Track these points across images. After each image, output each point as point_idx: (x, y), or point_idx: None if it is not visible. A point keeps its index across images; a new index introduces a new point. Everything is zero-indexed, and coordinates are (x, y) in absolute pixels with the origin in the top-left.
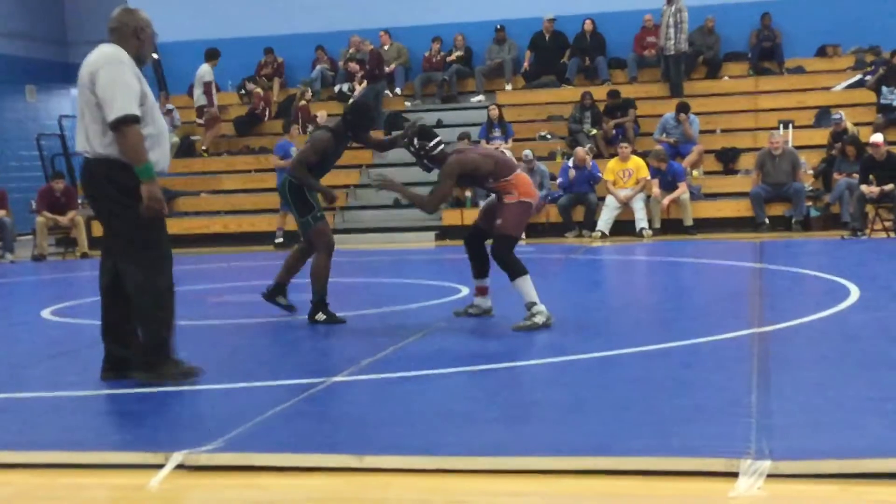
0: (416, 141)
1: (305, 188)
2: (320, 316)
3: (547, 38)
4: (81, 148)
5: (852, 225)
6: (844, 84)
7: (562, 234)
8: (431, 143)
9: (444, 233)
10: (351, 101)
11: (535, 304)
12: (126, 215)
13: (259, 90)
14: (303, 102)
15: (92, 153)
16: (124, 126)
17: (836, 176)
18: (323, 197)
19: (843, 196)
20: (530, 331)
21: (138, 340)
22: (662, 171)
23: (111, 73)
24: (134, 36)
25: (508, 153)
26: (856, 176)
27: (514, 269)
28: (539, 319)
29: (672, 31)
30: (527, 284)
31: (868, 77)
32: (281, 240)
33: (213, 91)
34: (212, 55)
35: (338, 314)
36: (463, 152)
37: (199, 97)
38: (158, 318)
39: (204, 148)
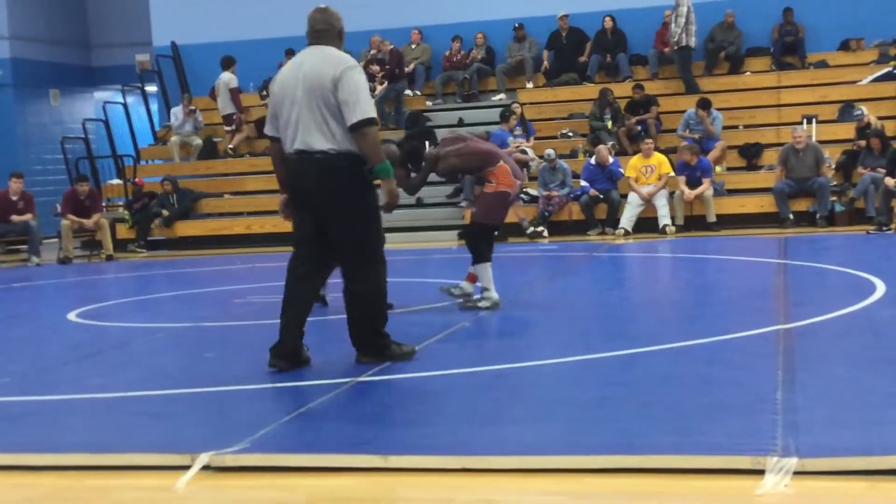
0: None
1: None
2: None
3: (564, 36)
4: (319, 146)
5: (878, 219)
6: (872, 77)
7: (584, 231)
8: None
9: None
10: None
11: (487, 290)
12: (362, 208)
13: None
14: None
15: (338, 150)
16: (365, 128)
17: (860, 170)
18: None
19: (868, 191)
20: (471, 309)
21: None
22: (692, 166)
23: (354, 78)
24: (339, 37)
25: (530, 151)
26: (880, 170)
27: (479, 255)
28: (484, 304)
29: (673, 26)
30: (486, 271)
31: None
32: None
33: (238, 96)
34: (229, 62)
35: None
36: (446, 151)
37: (225, 105)
38: (381, 307)
39: (231, 147)
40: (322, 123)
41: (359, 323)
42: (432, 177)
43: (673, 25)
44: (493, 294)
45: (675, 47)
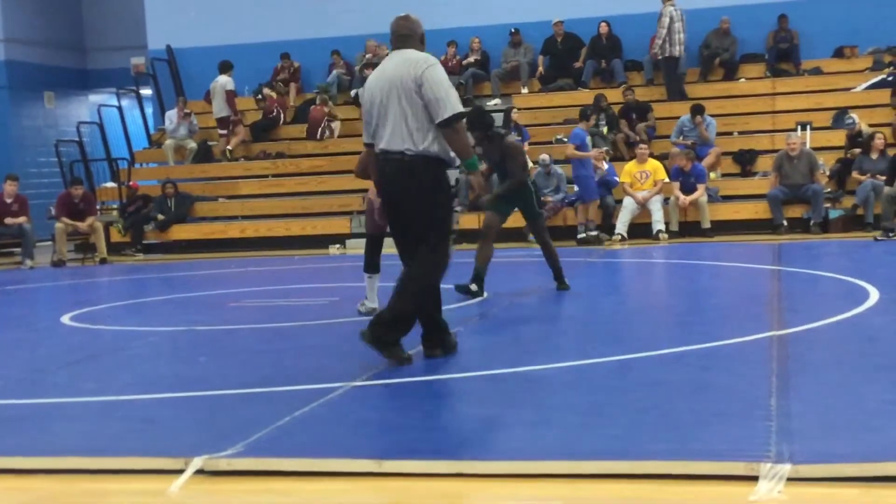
0: None
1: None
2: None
3: (559, 42)
4: (397, 147)
5: (884, 225)
6: (867, 84)
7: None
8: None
9: (462, 236)
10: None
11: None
12: (441, 206)
13: (272, 94)
14: (326, 109)
15: (414, 150)
16: (456, 123)
17: (856, 175)
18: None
19: (868, 197)
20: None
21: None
22: (686, 171)
23: (438, 76)
24: (421, 41)
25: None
26: (879, 177)
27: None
28: (361, 308)
29: (664, 34)
30: (368, 280)
31: (892, 77)
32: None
33: (234, 99)
34: (226, 66)
35: (358, 318)
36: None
37: (220, 108)
38: (416, 305)
39: (230, 148)
40: (402, 125)
41: (393, 308)
42: None
43: (656, 36)
44: (369, 303)
45: (660, 57)
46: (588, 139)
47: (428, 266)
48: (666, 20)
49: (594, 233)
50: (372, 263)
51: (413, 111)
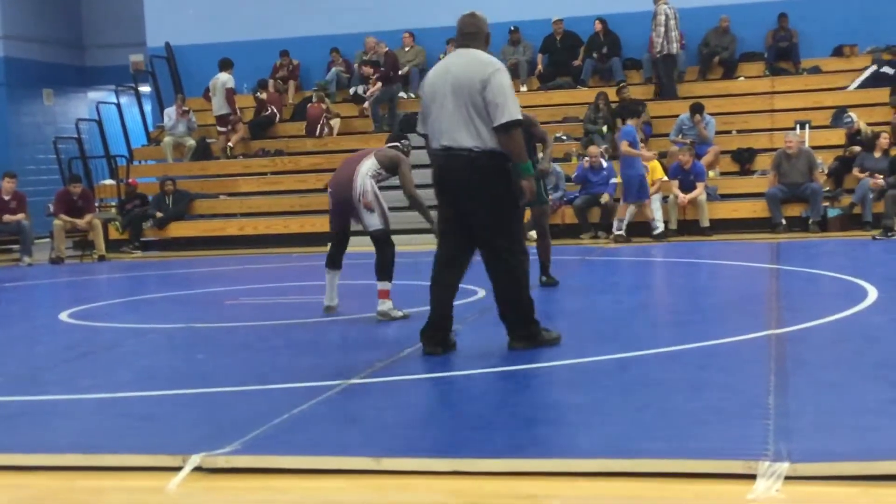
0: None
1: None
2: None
3: (558, 40)
4: (463, 143)
5: (884, 223)
6: (859, 81)
7: (577, 235)
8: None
9: None
10: None
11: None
12: (507, 202)
13: (265, 94)
14: (324, 106)
15: (481, 148)
16: (513, 129)
17: (856, 173)
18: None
19: (866, 196)
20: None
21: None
22: (686, 169)
23: (502, 80)
24: (486, 41)
25: None
26: (878, 176)
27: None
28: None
29: (654, 35)
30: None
31: (885, 68)
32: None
33: (234, 97)
34: (227, 64)
35: (355, 316)
36: None
37: (220, 105)
38: (526, 297)
39: (230, 145)
40: (468, 122)
41: (508, 309)
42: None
43: (653, 34)
44: (328, 301)
45: (658, 55)
46: (638, 137)
47: (517, 257)
48: (662, 18)
49: (620, 231)
50: (334, 260)
51: (477, 111)
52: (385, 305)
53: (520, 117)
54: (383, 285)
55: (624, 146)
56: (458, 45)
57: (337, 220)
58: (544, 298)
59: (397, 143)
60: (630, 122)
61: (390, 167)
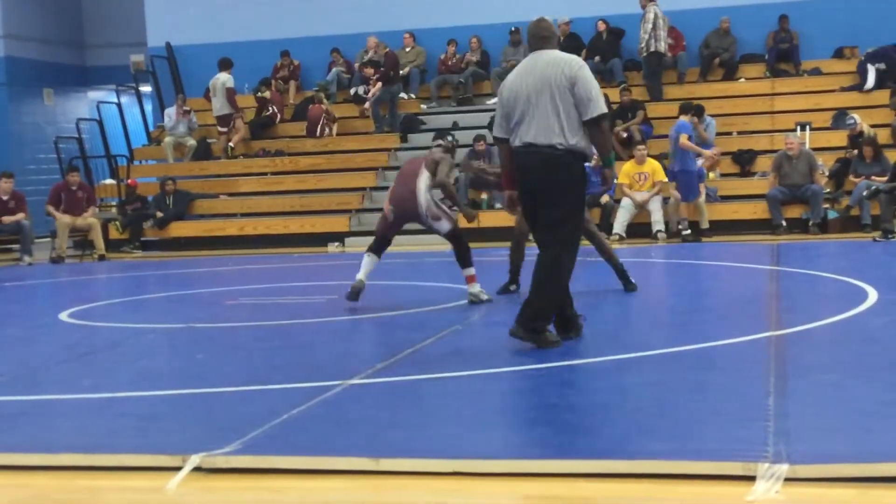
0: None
1: None
2: None
3: (562, 41)
4: (547, 140)
5: (884, 227)
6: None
7: None
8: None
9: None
10: None
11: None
12: (579, 197)
13: (266, 93)
14: (325, 105)
15: (565, 145)
16: (602, 122)
17: (852, 178)
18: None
19: (863, 198)
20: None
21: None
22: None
23: (588, 76)
24: (558, 43)
25: None
26: (875, 178)
27: None
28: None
29: (641, 32)
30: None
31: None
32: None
33: (234, 96)
34: (227, 64)
35: (355, 317)
36: None
37: (221, 105)
38: (557, 293)
39: (231, 145)
40: (556, 119)
41: (535, 295)
42: None
43: (641, 31)
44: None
45: (644, 53)
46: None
47: (567, 256)
48: (651, 16)
49: (688, 231)
50: (377, 251)
51: (565, 108)
52: (474, 288)
53: (606, 111)
54: (468, 271)
55: (684, 140)
56: (533, 48)
57: (392, 230)
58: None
59: (440, 141)
60: (683, 118)
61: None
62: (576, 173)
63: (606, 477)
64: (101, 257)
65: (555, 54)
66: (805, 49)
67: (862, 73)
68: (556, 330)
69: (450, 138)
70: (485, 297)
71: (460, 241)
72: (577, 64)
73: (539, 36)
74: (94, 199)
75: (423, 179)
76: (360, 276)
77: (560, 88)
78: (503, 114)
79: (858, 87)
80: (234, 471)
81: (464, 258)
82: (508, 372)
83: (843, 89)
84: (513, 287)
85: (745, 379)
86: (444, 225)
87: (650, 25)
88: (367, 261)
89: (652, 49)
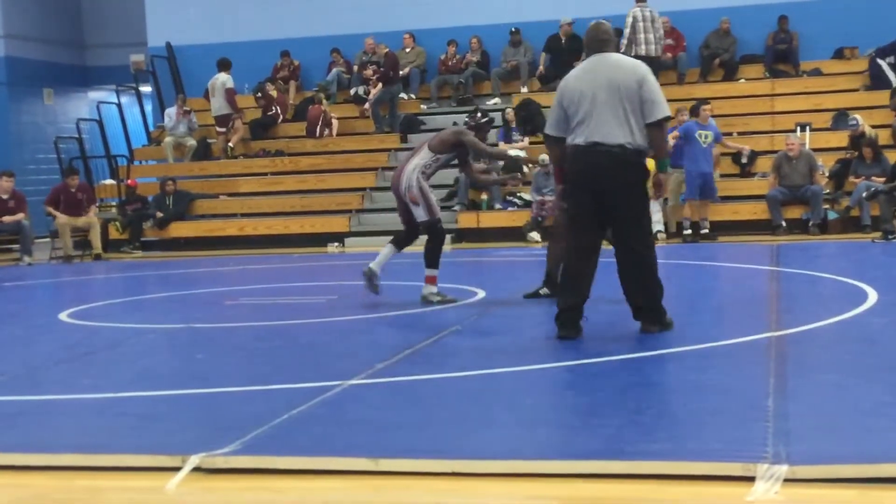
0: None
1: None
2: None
3: (563, 41)
4: (617, 140)
5: (884, 227)
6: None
7: None
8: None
9: (460, 235)
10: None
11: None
12: (645, 198)
13: (272, 92)
14: (323, 106)
15: (633, 144)
16: (665, 124)
17: (852, 179)
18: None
19: (863, 199)
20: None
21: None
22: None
23: (654, 80)
24: (616, 46)
25: (523, 154)
26: (874, 179)
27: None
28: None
29: (628, 33)
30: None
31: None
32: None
33: (234, 96)
34: (226, 64)
35: (355, 317)
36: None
37: (220, 106)
38: (658, 283)
39: (231, 145)
40: (624, 120)
41: (644, 297)
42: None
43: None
44: (375, 268)
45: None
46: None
47: (649, 252)
48: (629, 20)
49: (688, 231)
50: (399, 243)
51: (632, 109)
52: (428, 290)
53: (670, 114)
54: (430, 271)
55: (730, 141)
56: (591, 52)
57: (402, 214)
58: (546, 300)
59: (467, 120)
60: (692, 120)
61: (447, 147)
62: (643, 172)
63: (606, 477)
64: (97, 256)
65: (619, 57)
66: (805, 50)
67: (874, 71)
68: (566, 327)
69: (478, 115)
70: (436, 299)
71: (436, 236)
72: (643, 68)
73: (598, 39)
74: (95, 199)
75: (418, 158)
76: (372, 264)
77: (629, 90)
78: (562, 114)
79: (874, 86)
80: (233, 471)
81: (432, 256)
82: (508, 372)
83: (866, 88)
84: (542, 291)
85: (744, 379)
86: (420, 213)
87: (629, 30)
88: (385, 251)
89: (633, 53)
